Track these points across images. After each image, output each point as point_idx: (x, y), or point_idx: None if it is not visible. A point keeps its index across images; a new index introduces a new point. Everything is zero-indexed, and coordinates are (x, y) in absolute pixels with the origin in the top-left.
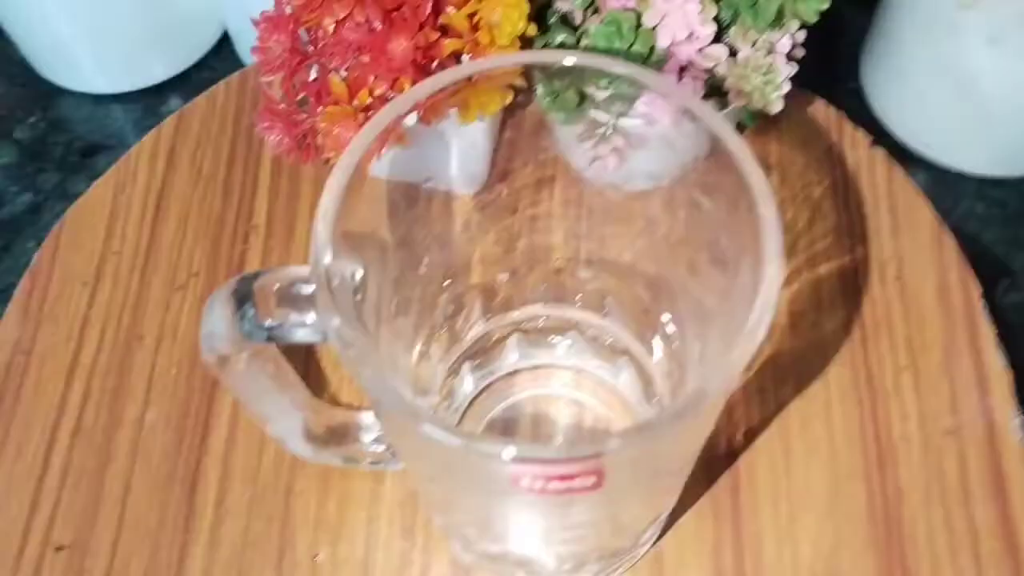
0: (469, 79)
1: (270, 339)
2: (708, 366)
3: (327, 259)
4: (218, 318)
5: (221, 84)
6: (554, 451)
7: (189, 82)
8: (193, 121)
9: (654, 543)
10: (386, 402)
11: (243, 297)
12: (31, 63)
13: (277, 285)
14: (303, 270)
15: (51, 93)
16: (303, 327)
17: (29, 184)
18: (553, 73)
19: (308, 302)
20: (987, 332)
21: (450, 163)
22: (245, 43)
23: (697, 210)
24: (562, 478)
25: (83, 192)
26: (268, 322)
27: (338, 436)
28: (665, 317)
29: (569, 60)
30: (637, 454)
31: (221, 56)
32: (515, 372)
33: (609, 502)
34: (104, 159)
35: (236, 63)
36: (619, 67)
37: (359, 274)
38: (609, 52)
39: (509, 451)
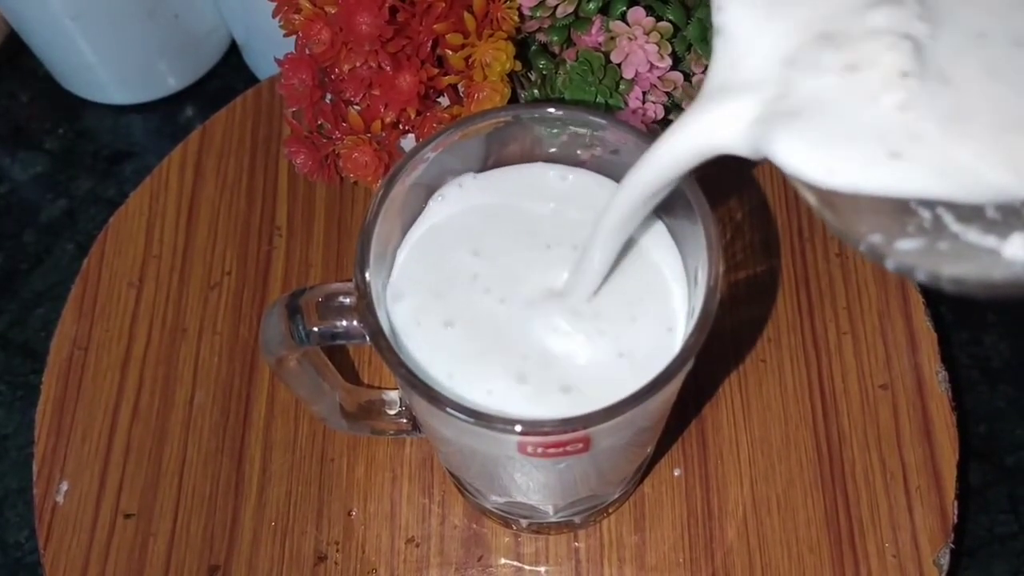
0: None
1: (318, 343)
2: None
3: (367, 276)
4: (274, 327)
5: (238, 100)
6: (550, 425)
7: (202, 91)
8: (216, 134)
9: (636, 487)
10: (417, 392)
11: (294, 310)
12: (55, 78)
13: (320, 298)
14: (341, 285)
15: (75, 105)
16: (346, 332)
17: (63, 191)
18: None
19: (349, 311)
20: (916, 299)
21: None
22: (251, 53)
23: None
24: (557, 445)
25: (113, 197)
26: (315, 329)
27: (367, 412)
28: None
29: (559, 111)
30: (614, 424)
31: (230, 66)
32: None
33: (595, 460)
34: (130, 166)
35: (243, 71)
36: (600, 118)
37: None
38: (584, 84)
39: (517, 427)
